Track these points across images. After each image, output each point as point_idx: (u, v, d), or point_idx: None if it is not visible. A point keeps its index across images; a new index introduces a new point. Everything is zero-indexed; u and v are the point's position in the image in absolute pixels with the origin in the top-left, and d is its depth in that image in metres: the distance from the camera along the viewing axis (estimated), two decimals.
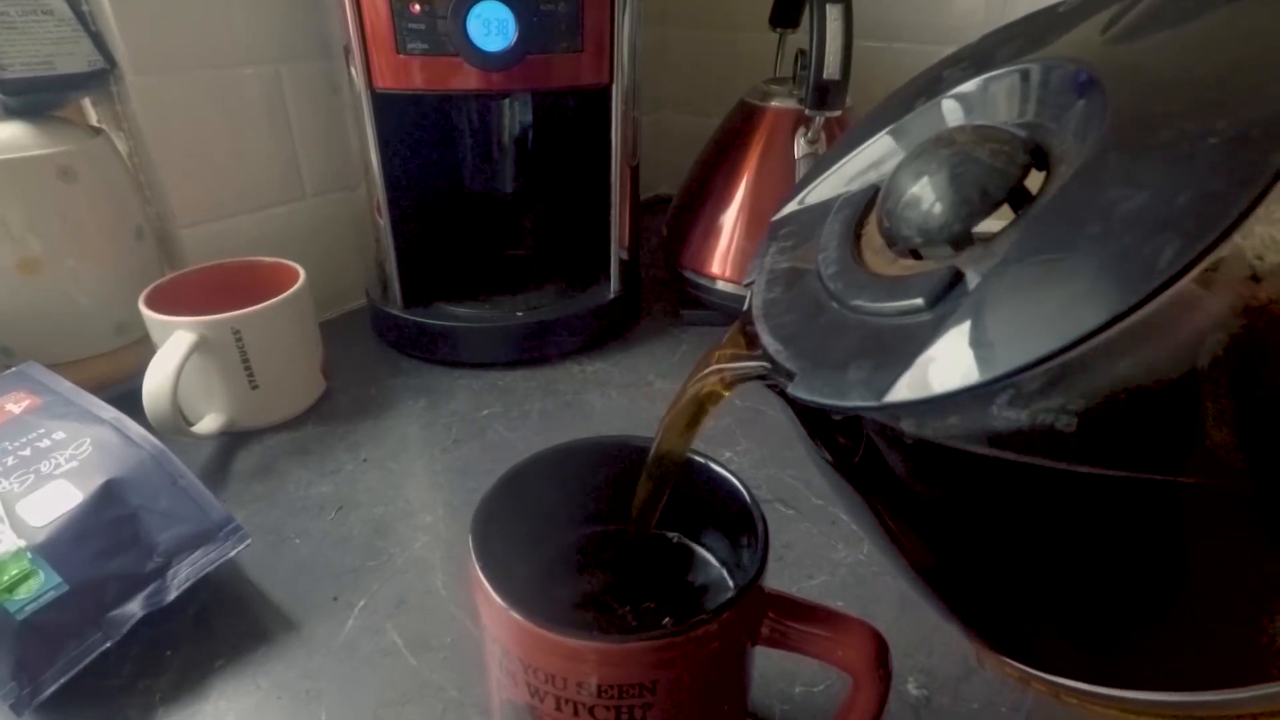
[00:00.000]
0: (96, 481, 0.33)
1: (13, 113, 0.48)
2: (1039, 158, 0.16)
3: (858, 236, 0.20)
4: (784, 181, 0.59)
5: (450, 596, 0.37)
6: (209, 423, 0.47)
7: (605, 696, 0.20)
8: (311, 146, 0.61)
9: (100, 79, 0.50)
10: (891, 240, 0.18)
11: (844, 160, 0.23)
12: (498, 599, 0.21)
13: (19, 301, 0.48)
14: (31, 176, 0.46)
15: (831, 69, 0.50)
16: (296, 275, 0.51)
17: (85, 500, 0.33)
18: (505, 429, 0.50)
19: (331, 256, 0.63)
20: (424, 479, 0.45)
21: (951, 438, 0.15)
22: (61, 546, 0.31)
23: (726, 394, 0.23)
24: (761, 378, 0.20)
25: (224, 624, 0.35)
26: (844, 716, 0.25)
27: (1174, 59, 0.15)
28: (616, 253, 0.60)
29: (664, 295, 0.68)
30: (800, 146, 0.57)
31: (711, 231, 0.62)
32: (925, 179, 0.17)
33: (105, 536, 0.32)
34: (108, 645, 0.31)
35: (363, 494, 0.44)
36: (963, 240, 0.16)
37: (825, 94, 0.51)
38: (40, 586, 0.30)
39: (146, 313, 0.46)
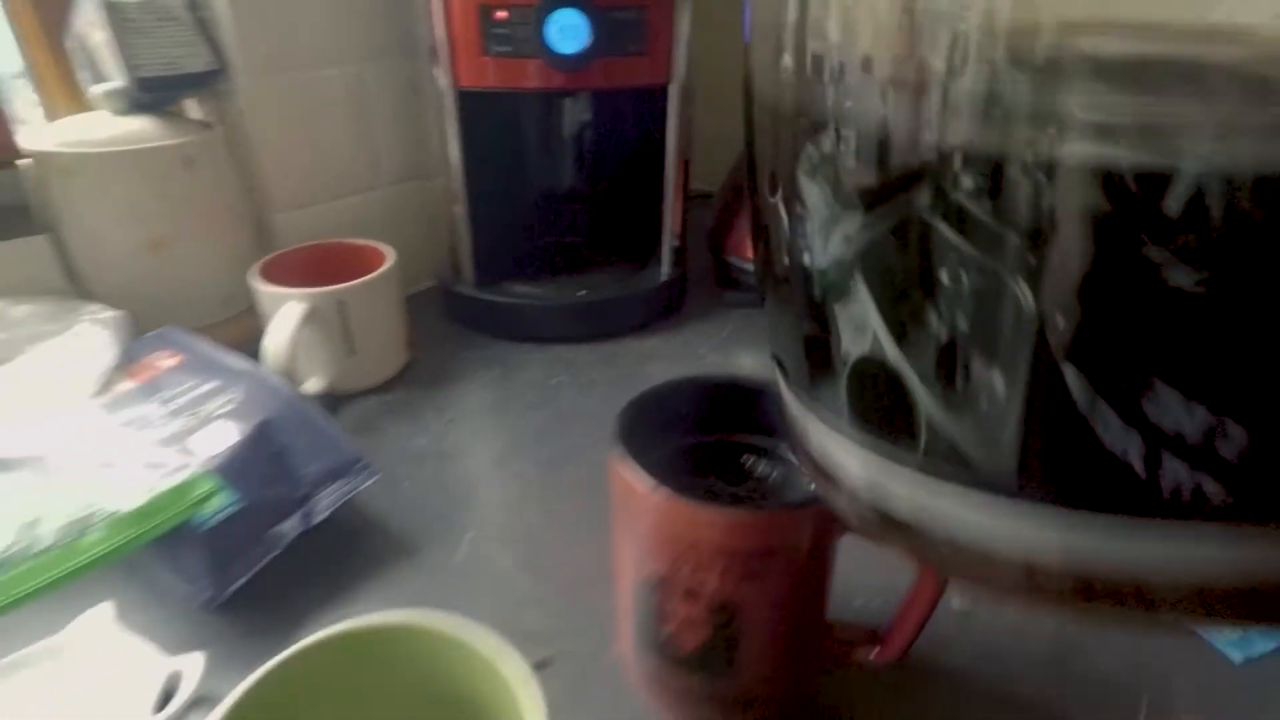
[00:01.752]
0: (252, 421, 0.39)
1: (139, 108, 0.54)
2: None
3: None
4: None
5: (547, 528, 0.42)
6: (313, 384, 0.53)
7: (733, 560, 0.25)
8: (389, 140, 0.66)
9: (214, 78, 0.56)
10: None
11: None
12: (651, 483, 0.25)
13: (147, 277, 0.54)
14: (160, 164, 0.52)
15: None
16: (382, 256, 0.57)
17: (245, 437, 0.38)
18: (575, 395, 0.56)
19: (404, 241, 0.68)
20: (508, 436, 0.51)
21: None
22: (233, 472, 0.36)
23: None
24: None
25: (357, 546, 0.41)
26: (906, 610, 0.30)
27: None
28: (669, 240, 0.65)
29: (706, 280, 0.73)
30: None
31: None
32: None
33: (263, 467, 0.38)
34: (271, 556, 0.37)
35: (453, 448, 0.50)
36: None
37: None
38: (221, 503, 0.35)
39: (261, 285, 0.52)
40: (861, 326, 0.19)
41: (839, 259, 0.19)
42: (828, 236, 0.19)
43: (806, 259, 0.20)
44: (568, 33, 0.53)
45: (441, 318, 0.67)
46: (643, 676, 0.31)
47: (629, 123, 0.67)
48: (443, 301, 0.67)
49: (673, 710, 0.32)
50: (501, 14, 0.52)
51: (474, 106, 0.58)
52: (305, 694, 0.24)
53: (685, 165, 0.65)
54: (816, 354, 0.21)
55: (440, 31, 0.53)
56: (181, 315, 0.56)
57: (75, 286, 0.53)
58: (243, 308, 0.61)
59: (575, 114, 0.65)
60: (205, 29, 0.55)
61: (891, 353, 0.18)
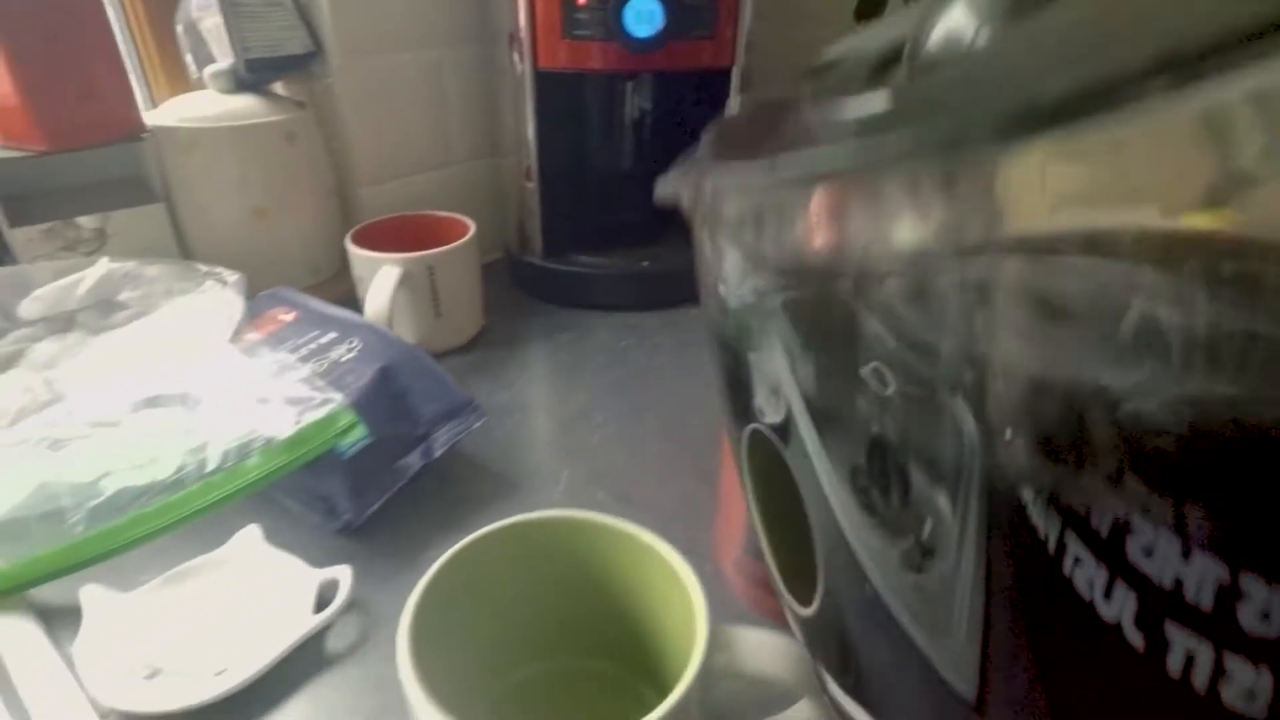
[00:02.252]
0: (375, 366, 0.43)
1: (242, 87, 0.58)
2: None
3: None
4: None
5: (635, 469, 0.47)
6: None
7: None
8: (461, 120, 0.70)
9: (311, 60, 0.60)
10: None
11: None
12: None
13: (251, 243, 0.58)
14: (266, 139, 0.56)
15: None
16: (463, 226, 0.61)
17: (370, 379, 0.42)
18: (643, 357, 0.60)
19: (474, 215, 0.72)
20: (587, 391, 0.55)
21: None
22: (363, 409, 0.41)
23: None
24: None
25: (466, 483, 0.45)
26: None
27: None
28: None
29: None
30: None
31: None
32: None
33: (387, 406, 0.42)
34: (399, 486, 0.41)
35: (537, 401, 0.54)
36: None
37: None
38: (358, 436, 0.39)
39: (356, 250, 0.56)
40: None
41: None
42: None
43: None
44: (643, 17, 0.56)
45: (510, 287, 0.71)
46: (751, 584, 0.35)
47: (688, 106, 0.71)
48: (511, 272, 0.71)
49: (779, 617, 0.36)
50: (583, 0, 0.56)
51: (547, 89, 0.62)
52: (488, 572, 0.28)
53: None
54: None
55: (523, 17, 0.57)
56: (276, 281, 0.60)
57: (184, 251, 0.58)
58: (328, 276, 0.65)
59: (639, 97, 0.69)
60: (304, 14, 0.59)
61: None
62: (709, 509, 0.42)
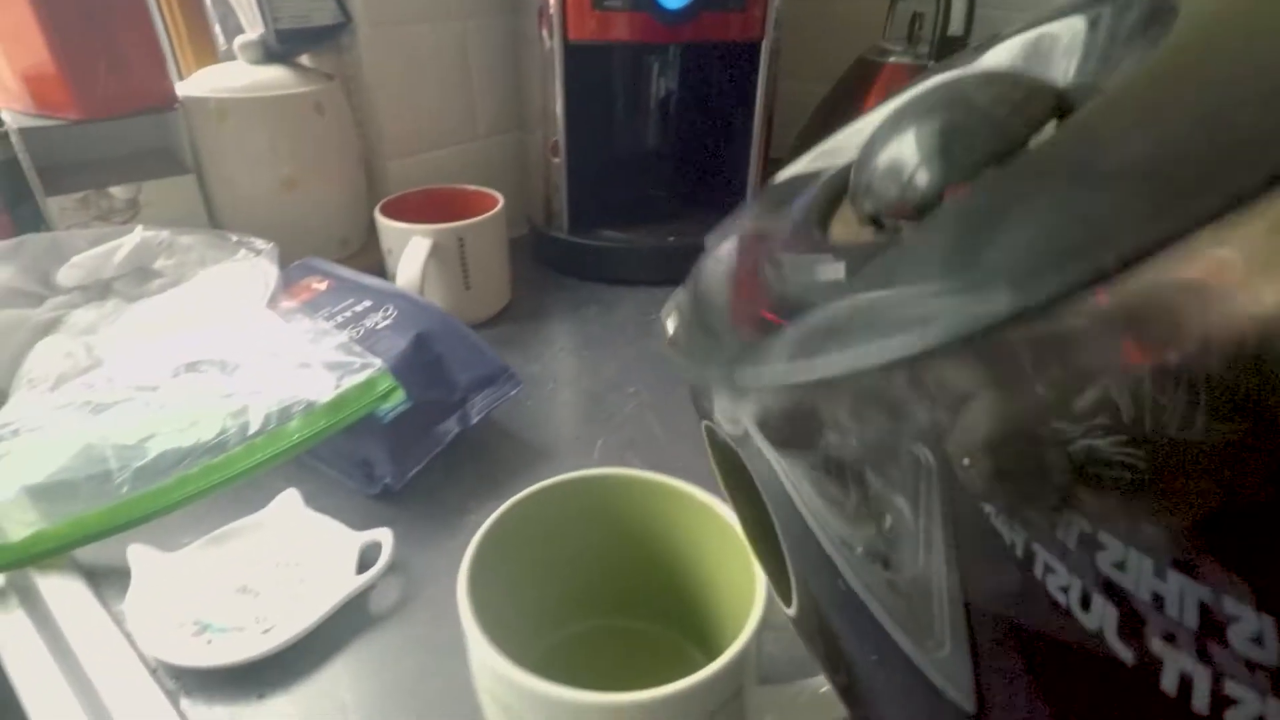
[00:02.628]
0: (411, 333, 0.43)
1: (271, 59, 0.58)
2: (1066, 113, 0.13)
3: (835, 201, 0.18)
4: None
5: (669, 437, 0.47)
6: None
7: None
8: (485, 94, 0.70)
9: (339, 31, 0.60)
10: (855, 202, 0.15)
11: (860, 124, 0.21)
12: None
13: (279, 214, 0.58)
14: (297, 109, 0.56)
15: (956, 24, 0.59)
16: (490, 199, 0.61)
17: (407, 346, 0.43)
18: None
19: (497, 189, 0.72)
20: (616, 364, 0.55)
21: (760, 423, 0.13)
22: (402, 374, 0.41)
23: None
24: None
25: (503, 451, 0.45)
26: None
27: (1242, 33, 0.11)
28: (751, 192, 0.69)
29: None
30: None
31: None
32: (900, 132, 0.14)
33: (425, 372, 0.42)
34: (437, 450, 0.41)
35: (568, 373, 0.54)
36: (926, 206, 0.13)
37: (949, 47, 0.60)
38: (398, 400, 0.40)
39: (386, 221, 0.56)
40: None
41: None
42: None
43: None
44: None
45: (534, 262, 0.71)
46: None
47: (715, 82, 0.70)
48: (535, 247, 0.71)
49: None
50: None
51: (575, 63, 0.61)
52: (539, 527, 0.28)
53: (769, 121, 0.68)
54: None
55: None
56: (303, 253, 0.60)
57: (213, 222, 0.58)
58: (355, 249, 0.65)
59: (666, 73, 0.69)
60: None
61: None
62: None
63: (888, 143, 0.14)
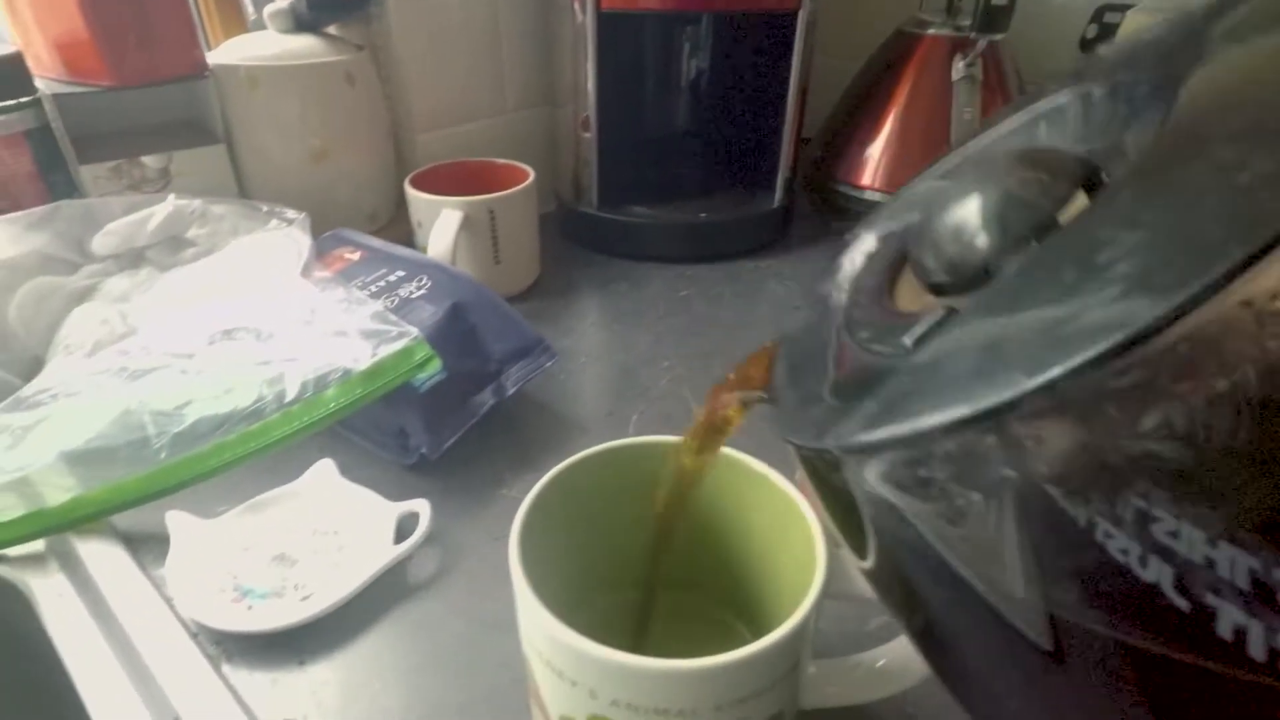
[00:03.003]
0: (446, 303, 0.43)
1: (301, 27, 0.57)
2: (1094, 184, 0.15)
3: (899, 268, 0.19)
4: (937, 102, 0.66)
5: None
6: None
7: None
8: (515, 67, 0.69)
9: (369, 0, 0.59)
10: (916, 273, 0.17)
11: (923, 181, 0.22)
12: None
13: (308, 185, 0.57)
14: (328, 79, 0.55)
15: None
16: (521, 173, 0.60)
17: (442, 316, 0.42)
18: (705, 306, 0.59)
19: (527, 164, 0.71)
20: (649, 338, 0.54)
21: (877, 500, 0.14)
22: (438, 344, 0.40)
23: (737, 419, 0.24)
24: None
25: (538, 424, 0.45)
26: None
27: (1262, 69, 0.13)
28: (784, 166, 0.67)
29: (806, 213, 0.76)
30: (958, 69, 0.64)
31: (865, 147, 0.69)
32: (949, 208, 0.16)
33: (460, 342, 0.42)
34: (473, 422, 0.41)
35: (601, 347, 0.53)
36: (976, 280, 0.15)
37: (993, 17, 0.58)
38: (434, 369, 0.39)
39: (416, 193, 0.55)
40: None
41: None
42: None
43: None
44: None
45: (561, 238, 0.70)
46: None
47: (748, 57, 0.69)
48: (563, 222, 0.71)
49: None
50: None
51: (608, 36, 0.60)
52: (588, 495, 0.27)
53: (803, 96, 0.67)
54: None
55: None
56: (332, 225, 0.60)
57: (243, 192, 0.57)
58: (384, 222, 0.65)
59: (699, 47, 0.67)
60: None
61: None
62: (786, 452, 0.42)
63: (934, 220, 0.16)
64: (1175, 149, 0.12)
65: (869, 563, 0.17)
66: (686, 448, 0.25)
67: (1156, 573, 0.10)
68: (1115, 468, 0.11)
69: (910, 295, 0.18)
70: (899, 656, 0.26)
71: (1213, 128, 0.12)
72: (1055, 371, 0.10)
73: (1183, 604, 0.10)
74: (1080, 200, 0.15)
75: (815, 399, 0.16)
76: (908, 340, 0.15)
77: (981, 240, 0.15)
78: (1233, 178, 0.10)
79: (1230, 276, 0.09)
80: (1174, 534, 0.10)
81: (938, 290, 0.16)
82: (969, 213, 0.15)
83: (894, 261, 0.19)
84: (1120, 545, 0.11)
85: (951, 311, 0.15)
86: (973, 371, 0.12)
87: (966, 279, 0.15)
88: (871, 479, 0.14)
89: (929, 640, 0.17)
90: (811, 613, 0.22)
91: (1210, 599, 0.10)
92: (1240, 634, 0.10)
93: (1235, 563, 0.10)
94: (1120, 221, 0.12)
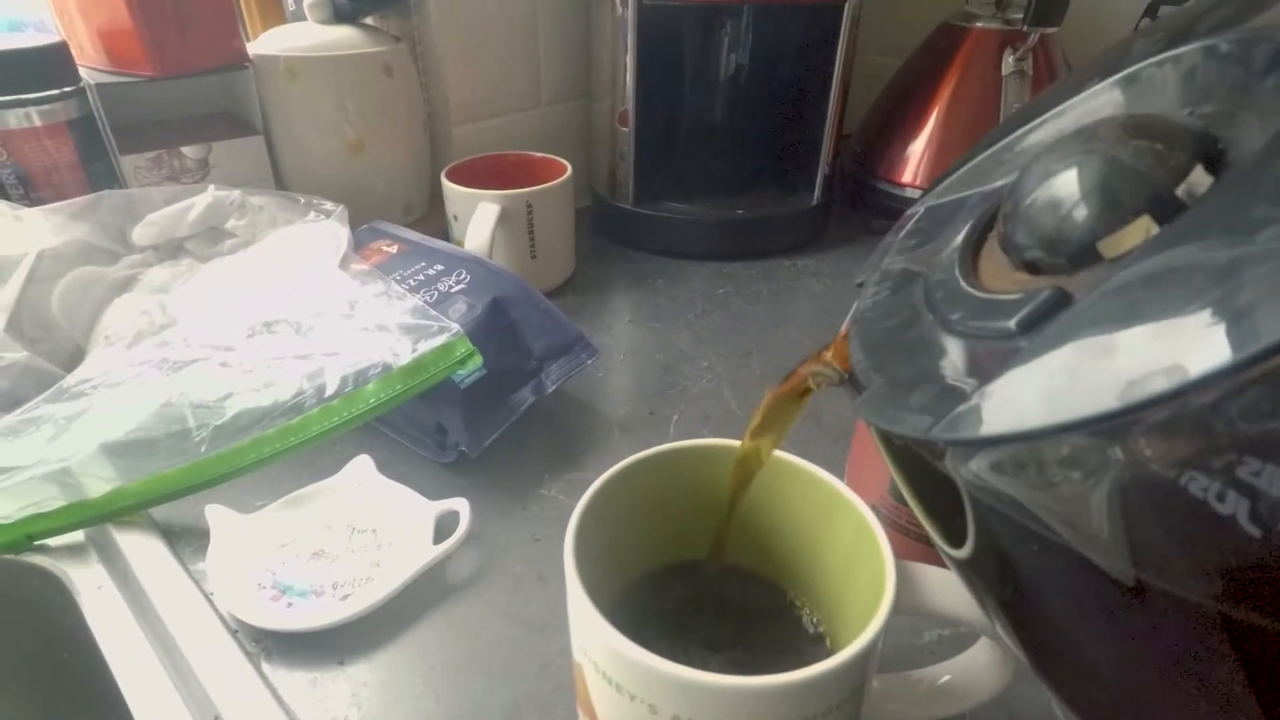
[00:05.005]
0: (486, 299, 0.42)
1: (339, 18, 0.57)
2: (1212, 156, 0.13)
3: (980, 241, 0.18)
4: (984, 98, 0.64)
5: (748, 411, 0.45)
6: None
7: None
8: (551, 61, 0.68)
9: None
10: (1007, 249, 0.16)
11: (994, 148, 0.21)
12: None
13: (346, 176, 0.57)
14: (367, 70, 0.55)
15: None
16: (558, 167, 0.59)
17: (482, 311, 0.41)
18: (742, 303, 0.58)
19: (563, 158, 0.71)
20: (688, 335, 0.53)
21: (986, 488, 0.13)
22: (478, 339, 0.39)
23: (806, 397, 0.23)
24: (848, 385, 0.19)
25: (577, 422, 0.44)
26: None
27: None
28: (824, 163, 0.66)
29: (844, 212, 0.74)
30: (1008, 64, 0.62)
31: (908, 145, 0.68)
32: (1051, 180, 0.15)
33: (500, 338, 0.41)
34: (512, 419, 0.40)
35: (639, 345, 0.52)
36: (1082, 257, 0.14)
37: (1047, 9, 0.56)
38: (475, 365, 0.38)
39: (453, 186, 0.55)
40: None
41: None
42: None
43: None
44: None
45: (596, 234, 0.69)
46: (890, 528, 0.33)
47: (788, 54, 0.67)
48: (599, 218, 0.70)
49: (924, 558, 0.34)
50: None
51: (647, 30, 0.59)
52: (642, 496, 0.26)
53: (845, 92, 0.65)
54: None
55: None
56: (368, 218, 0.59)
57: (280, 184, 0.57)
58: (419, 216, 0.64)
59: (739, 41, 0.66)
60: None
61: None
62: (830, 453, 0.41)
63: (1031, 192, 0.15)
64: None
65: (965, 550, 0.16)
66: (760, 426, 0.24)
67: (1233, 505, 0.10)
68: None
69: (995, 271, 0.16)
70: (963, 673, 0.25)
71: None
72: (1217, 364, 0.10)
73: (1255, 532, 0.10)
74: (1199, 174, 0.13)
75: (910, 384, 0.15)
76: (1012, 324, 0.14)
77: (1088, 214, 0.14)
78: None
79: None
80: (1257, 473, 0.10)
81: (1033, 268, 0.15)
82: (1070, 183, 0.14)
83: (974, 234, 0.18)
84: (1201, 485, 0.10)
85: (1061, 293, 0.14)
86: (1103, 365, 0.11)
87: (1070, 256, 0.14)
88: (982, 470, 0.13)
89: (1018, 615, 0.16)
90: (881, 630, 0.21)
91: None
92: None
93: None
94: (1271, 196, 0.11)
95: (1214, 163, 0.13)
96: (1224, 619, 0.11)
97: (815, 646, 0.27)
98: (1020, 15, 0.60)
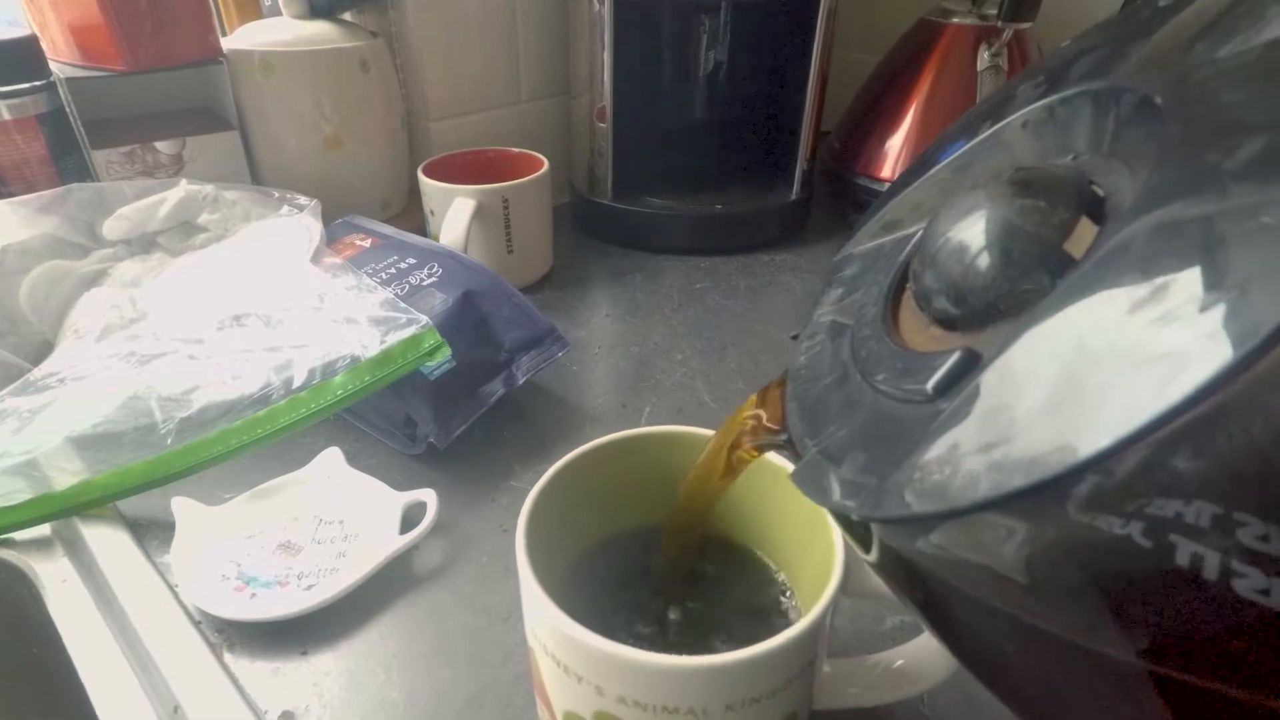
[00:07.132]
0: (457, 291, 0.42)
1: (315, 13, 0.57)
2: (1094, 207, 0.14)
3: (900, 291, 0.18)
4: (960, 93, 0.64)
5: (719, 404, 0.45)
6: None
7: None
8: (530, 57, 0.68)
9: None
10: (920, 305, 0.16)
11: (904, 194, 0.21)
12: None
13: (322, 173, 0.57)
14: (342, 65, 0.55)
15: None
16: (535, 162, 0.59)
17: (453, 304, 0.41)
18: (720, 298, 0.58)
19: (541, 154, 0.71)
20: (664, 330, 0.53)
21: (922, 559, 0.13)
22: (448, 332, 0.39)
23: (750, 460, 0.23)
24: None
25: (549, 415, 0.44)
26: None
27: (1247, 87, 0.12)
28: (802, 158, 0.66)
29: (824, 206, 0.74)
30: (983, 59, 0.62)
31: (885, 140, 0.68)
32: (948, 241, 0.15)
33: (471, 331, 0.41)
34: (481, 411, 0.40)
35: (614, 339, 0.52)
36: (986, 315, 0.14)
37: (1020, 5, 0.56)
38: (444, 357, 0.38)
39: (429, 181, 0.55)
40: None
41: None
42: None
43: None
44: None
45: (575, 230, 0.69)
46: None
47: (767, 49, 0.68)
48: (577, 214, 0.70)
49: None
50: None
51: (625, 26, 0.59)
52: (596, 484, 0.27)
53: (822, 88, 0.65)
54: None
55: None
56: (344, 214, 0.59)
57: (255, 179, 0.57)
58: (396, 212, 0.64)
59: (717, 38, 0.66)
60: None
61: None
62: None
63: (934, 250, 0.15)
64: (1177, 181, 0.12)
65: (872, 556, 0.16)
66: (700, 475, 0.24)
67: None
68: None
69: (913, 324, 0.17)
70: (917, 657, 0.25)
71: (1215, 154, 0.11)
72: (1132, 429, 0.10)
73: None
74: (1085, 226, 0.14)
75: (840, 453, 0.16)
76: (929, 388, 0.14)
77: (984, 275, 0.14)
78: (1249, 221, 0.10)
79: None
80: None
81: (945, 324, 0.15)
82: (964, 246, 0.15)
83: (893, 288, 0.18)
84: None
85: (970, 354, 0.14)
86: (1026, 431, 0.11)
87: (976, 314, 0.15)
88: (904, 544, 0.14)
89: (929, 615, 0.17)
90: (827, 610, 0.21)
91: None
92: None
93: None
94: (1141, 266, 0.11)
95: (1096, 213, 0.14)
96: (1115, 610, 0.12)
97: (784, 612, 0.27)
98: (995, 11, 0.60)
